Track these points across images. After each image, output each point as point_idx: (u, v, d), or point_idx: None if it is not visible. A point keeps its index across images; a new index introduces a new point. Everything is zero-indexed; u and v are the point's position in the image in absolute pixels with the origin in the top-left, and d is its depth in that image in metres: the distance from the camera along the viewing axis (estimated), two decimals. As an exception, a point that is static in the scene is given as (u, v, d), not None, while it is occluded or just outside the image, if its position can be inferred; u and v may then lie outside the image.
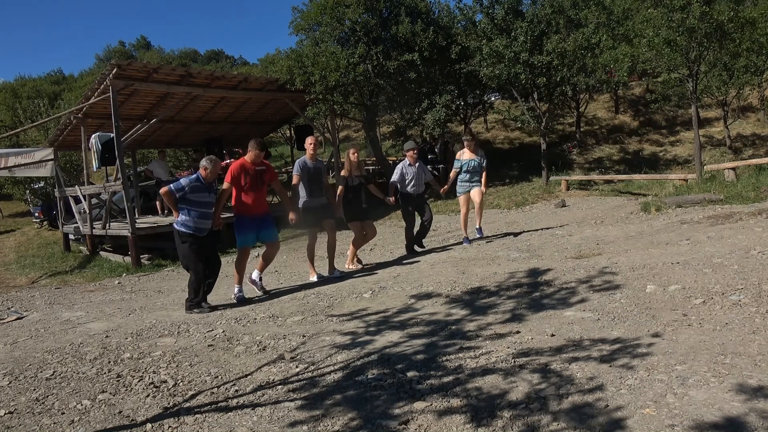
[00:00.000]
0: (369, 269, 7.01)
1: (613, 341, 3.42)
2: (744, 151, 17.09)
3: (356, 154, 7.08)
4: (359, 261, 7.41)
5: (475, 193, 7.92)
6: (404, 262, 7.22)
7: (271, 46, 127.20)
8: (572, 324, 3.84)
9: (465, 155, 7.94)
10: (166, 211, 14.08)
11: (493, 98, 20.08)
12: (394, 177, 7.65)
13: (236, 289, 5.92)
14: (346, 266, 7.23)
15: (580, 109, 19.95)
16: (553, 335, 3.66)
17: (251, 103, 15.53)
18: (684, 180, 11.75)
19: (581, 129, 20.41)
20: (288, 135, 23.73)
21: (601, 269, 5.07)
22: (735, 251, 5.05)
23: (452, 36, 15.84)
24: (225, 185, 5.87)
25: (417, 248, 7.98)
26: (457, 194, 8.11)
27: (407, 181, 7.59)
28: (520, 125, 15.93)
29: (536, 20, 14.73)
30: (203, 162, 5.60)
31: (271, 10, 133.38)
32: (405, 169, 7.61)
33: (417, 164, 7.66)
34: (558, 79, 14.49)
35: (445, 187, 8.12)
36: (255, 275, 6.16)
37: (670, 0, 11.66)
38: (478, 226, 8.30)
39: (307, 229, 6.77)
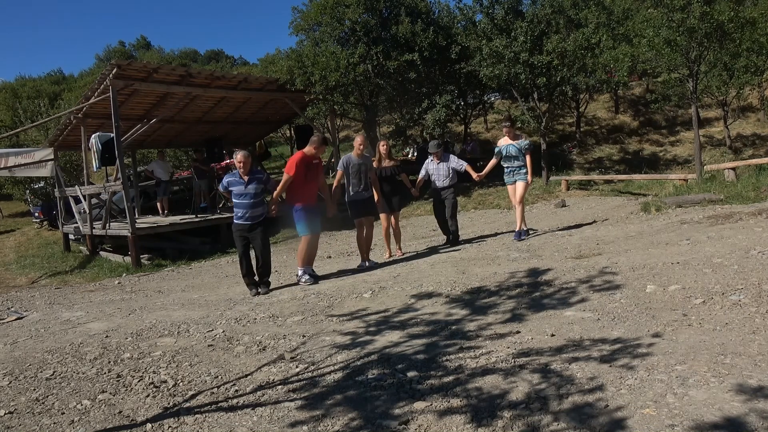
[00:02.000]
0: (373, 267, 7.02)
1: (614, 341, 3.42)
2: (744, 151, 17.10)
3: (385, 146, 7.60)
4: (397, 249, 7.93)
5: (518, 188, 7.58)
6: (404, 261, 7.23)
7: (271, 46, 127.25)
8: (572, 324, 3.84)
9: (502, 141, 7.75)
10: (166, 212, 14.10)
11: (493, 98, 20.08)
12: (420, 173, 8.28)
13: (300, 272, 6.38)
14: (386, 256, 7.74)
15: (580, 109, 19.96)
16: (553, 335, 3.66)
17: (251, 103, 15.53)
18: (684, 180, 11.75)
19: (581, 129, 20.42)
20: (288, 135, 23.74)
21: (601, 269, 5.07)
22: (735, 251, 5.05)
23: (452, 36, 15.84)
24: (286, 176, 6.20)
25: (449, 242, 8.26)
26: (506, 183, 7.92)
27: (431, 177, 8.14)
28: (520, 125, 15.93)
29: (536, 20, 14.73)
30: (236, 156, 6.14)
31: (271, 10, 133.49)
32: (428, 166, 8.19)
33: (440, 162, 8.04)
34: (558, 79, 14.50)
35: (481, 174, 7.99)
36: (308, 271, 6.56)
37: (670, 0, 11.67)
38: (517, 229, 7.74)
39: (355, 221, 7.24)
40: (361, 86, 14.84)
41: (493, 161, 7.91)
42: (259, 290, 6.17)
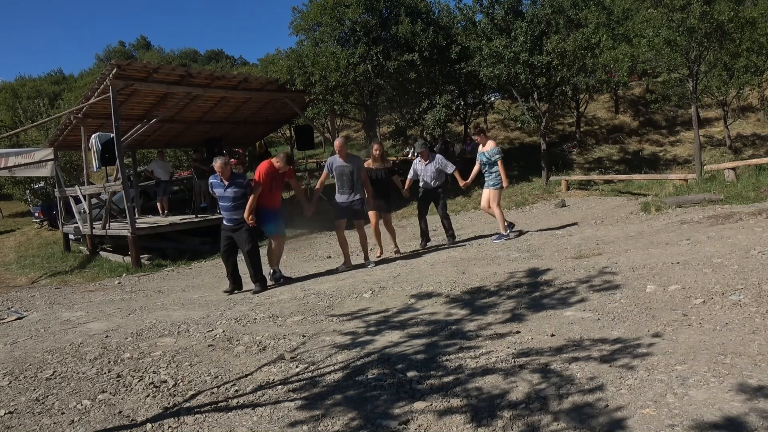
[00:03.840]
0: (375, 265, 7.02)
1: (613, 341, 3.42)
2: (744, 151, 17.09)
3: (378, 149, 7.70)
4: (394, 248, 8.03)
5: (488, 194, 7.91)
6: (404, 261, 7.23)
7: (271, 46, 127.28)
8: (572, 324, 3.84)
9: (480, 148, 7.98)
10: (166, 212, 14.09)
11: (493, 98, 20.06)
12: (409, 174, 8.33)
13: (271, 272, 6.66)
14: (377, 254, 7.83)
15: (580, 109, 19.93)
16: (553, 335, 3.66)
17: (251, 103, 15.53)
18: (684, 180, 11.75)
19: (581, 129, 20.40)
20: (288, 135, 23.72)
21: (601, 269, 5.07)
22: (735, 251, 5.05)
23: (452, 36, 15.83)
24: (257, 187, 6.42)
25: (449, 241, 8.37)
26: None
27: (417, 177, 8.19)
28: (520, 125, 15.91)
29: (536, 20, 14.71)
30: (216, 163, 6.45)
31: (271, 10, 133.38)
32: (415, 166, 8.25)
33: (428, 162, 8.04)
34: (558, 79, 14.48)
35: (467, 181, 8.14)
36: (272, 270, 6.81)
37: (670, 0, 11.66)
38: (501, 231, 7.95)
39: (336, 222, 7.32)
40: (361, 86, 14.83)
41: (476, 167, 8.10)
42: (228, 289, 6.57)
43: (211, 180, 6.55)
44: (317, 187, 7.43)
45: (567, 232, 8.06)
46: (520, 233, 8.35)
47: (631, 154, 18.93)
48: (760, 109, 19.11)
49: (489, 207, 7.96)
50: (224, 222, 6.47)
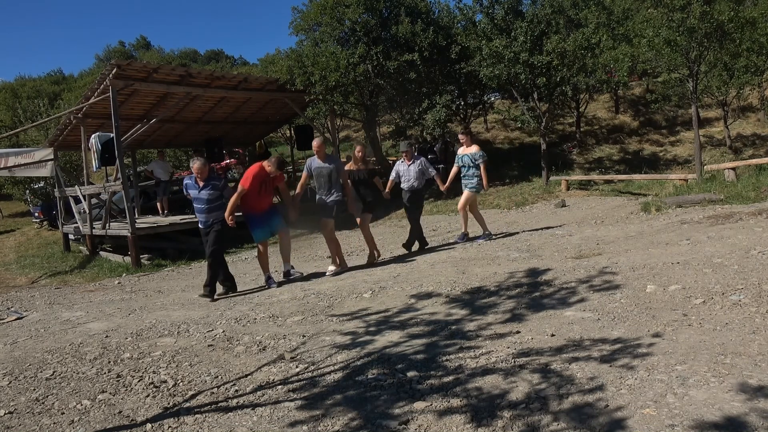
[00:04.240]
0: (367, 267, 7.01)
1: (614, 341, 3.42)
2: (744, 151, 17.08)
3: (361, 152, 7.51)
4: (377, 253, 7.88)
5: (463, 196, 8.05)
6: (404, 261, 7.22)
7: (271, 46, 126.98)
8: (572, 324, 3.84)
9: (461, 150, 8.13)
10: (166, 212, 14.09)
11: (493, 98, 20.05)
12: (391, 175, 8.21)
13: (265, 277, 6.64)
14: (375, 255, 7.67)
15: (580, 109, 19.93)
16: (553, 335, 3.66)
17: (251, 103, 15.53)
18: (684, 180, 11.75)
19: (581, 129, 20.39)
20: (288, 135, 23.72)
21: (601, 269, 5.07)
22: (735, 251, 5.05)
23: (452, 36, 15.83)
24: (240, 188, 6.35)
25: (421, 245, 8.25)
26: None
27: (400, 178, 8.08)
28: (520, 125, 15.91)
29: (536, 20, 14.71)
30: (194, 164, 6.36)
31: (271, 10, 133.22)
32: (397, 167, 8.14)
33: (410, 163, 7.94)
34: (558, 79, 14.47)
35: (446, 185, 8.19)
36: (286, 268, 6.83)
37: (670, 0, 11.66)
38: (462, 231, 8.32)
39: (321, 221, 7.21)
40: (361, 86, 14.84)
41: (454, 169, 8.20)
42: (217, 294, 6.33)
43: (186, 181, 6.42)
44: (297, 191, 7.21)
45: (567, 232, 8.06)
46: (490, 238, 8.36)
47: (631, 154, 18.93)
48: (760, 109, 19.10)
49: (468, 208, 8.11)
50: (199, 225, 6.42)
